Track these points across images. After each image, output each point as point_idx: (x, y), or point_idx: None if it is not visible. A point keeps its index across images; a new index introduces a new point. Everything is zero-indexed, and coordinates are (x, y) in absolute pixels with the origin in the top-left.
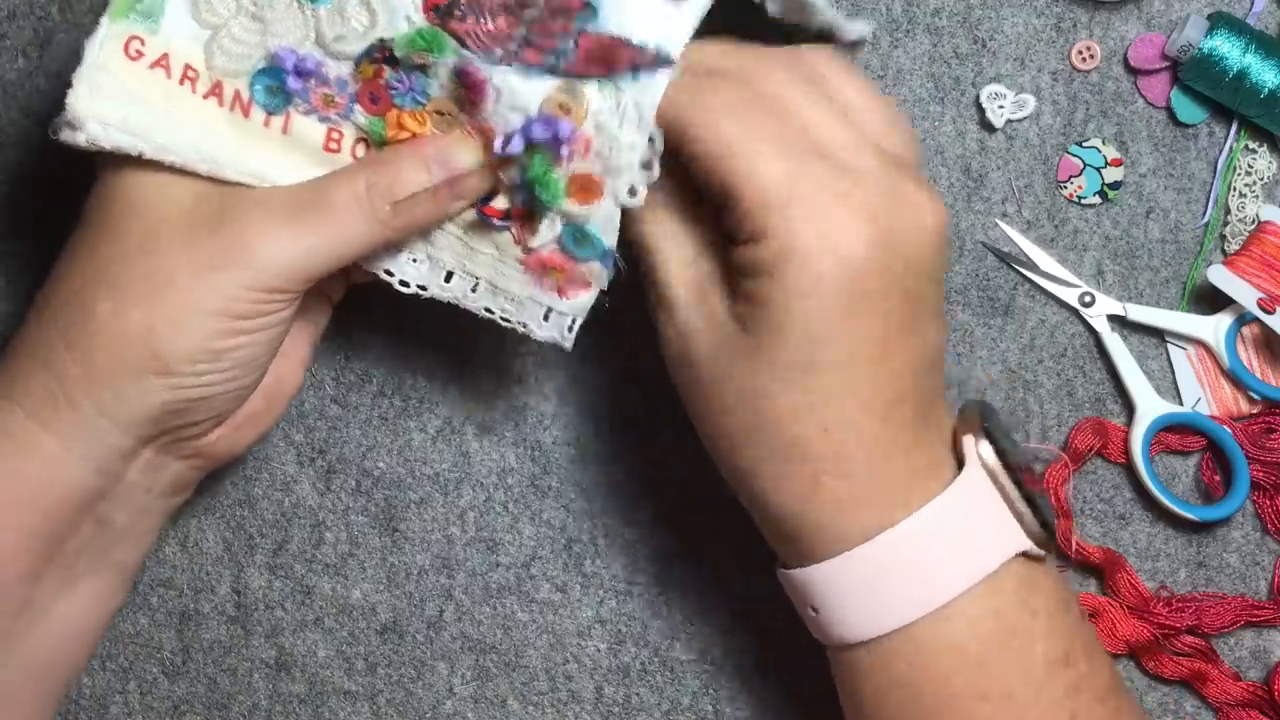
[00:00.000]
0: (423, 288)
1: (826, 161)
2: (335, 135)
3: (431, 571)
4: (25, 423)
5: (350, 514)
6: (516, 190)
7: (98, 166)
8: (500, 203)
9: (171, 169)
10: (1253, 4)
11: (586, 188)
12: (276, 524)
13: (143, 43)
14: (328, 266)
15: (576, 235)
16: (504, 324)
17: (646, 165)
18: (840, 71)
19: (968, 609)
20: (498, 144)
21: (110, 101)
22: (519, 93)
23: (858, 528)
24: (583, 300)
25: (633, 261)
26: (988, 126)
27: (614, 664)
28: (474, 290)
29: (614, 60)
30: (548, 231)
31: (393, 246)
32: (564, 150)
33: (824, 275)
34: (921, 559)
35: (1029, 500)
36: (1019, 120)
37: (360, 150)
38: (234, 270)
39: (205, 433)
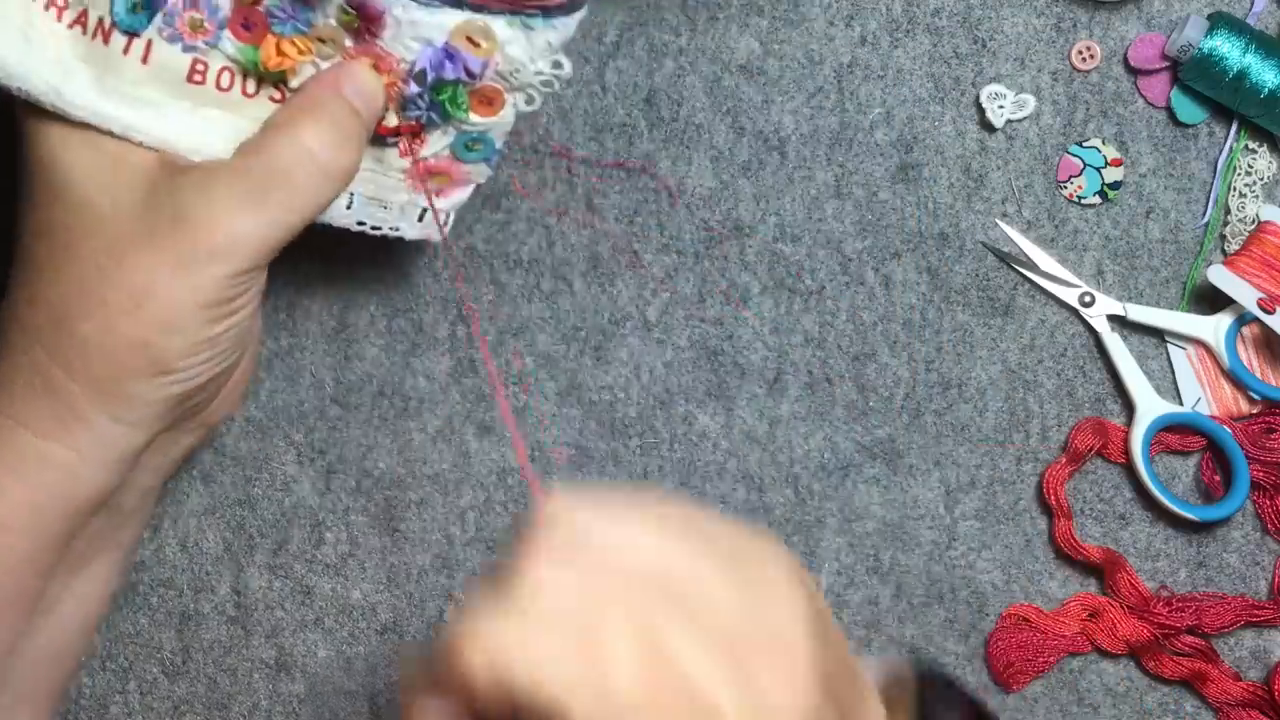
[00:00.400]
0: (327, 225)
1: None
2: (200, 65)
3: (431, 571)
4: (35, 441)
5: (350, 514)
6: (415, 106)
7: (31, 168)
8: (391, 120)
9: (100, 164)
10: (1253, 4)
11: (489, 100)
12: (276, 524)
13: None
14: (297, 231)
15: (469, 142)
16: (373, 233)
17: (546, 84)
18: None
19: None
20: (411, 84)
21: None
22: (422, 25)
23: None
24: (460, 197)
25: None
26: (988, 126)
27: None
28: (348, 207)
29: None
30: (439, 141)
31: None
32: (476, 81)
33: None
34: None
35: None
36: (1019, 120)
37: (225, 79)
38: (211, 265)
39: (209, 403)
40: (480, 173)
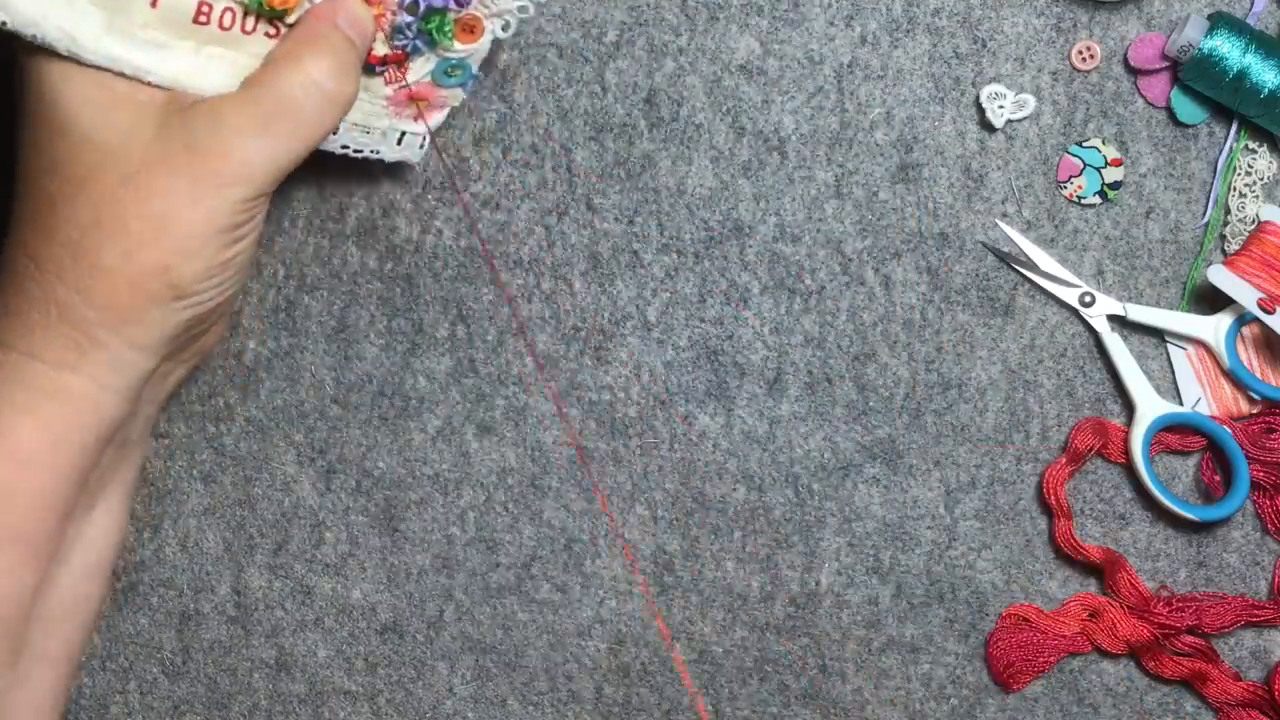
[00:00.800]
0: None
1: None
2: (205, 7)
3: (431, 571)
4: (51, 373)
5: (350, 514)
6: (402, 35)
7: (34, 109)
8: (380, 49)
9: (109, 101)
10: (1253, 4)
11: (470, 28)
12: (276, 524)
13: None
14: (302, 157)
15: (448, 68)
16: (355, 155)
17: (522, 9)
18: None
19: None
20: (402, 14)
21: None
22: None
23: None
24: (437, 119)
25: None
26: (988, 126)
27: (614, 664)
28: (333, 133)
29: None
30: (422, 69)
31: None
32: (464, 8)
33: None
34: None
35: None
36: (1019, 120)
37: (228, 19)
38: (226, 189)
39: (206, 332)
40: (456, 96)
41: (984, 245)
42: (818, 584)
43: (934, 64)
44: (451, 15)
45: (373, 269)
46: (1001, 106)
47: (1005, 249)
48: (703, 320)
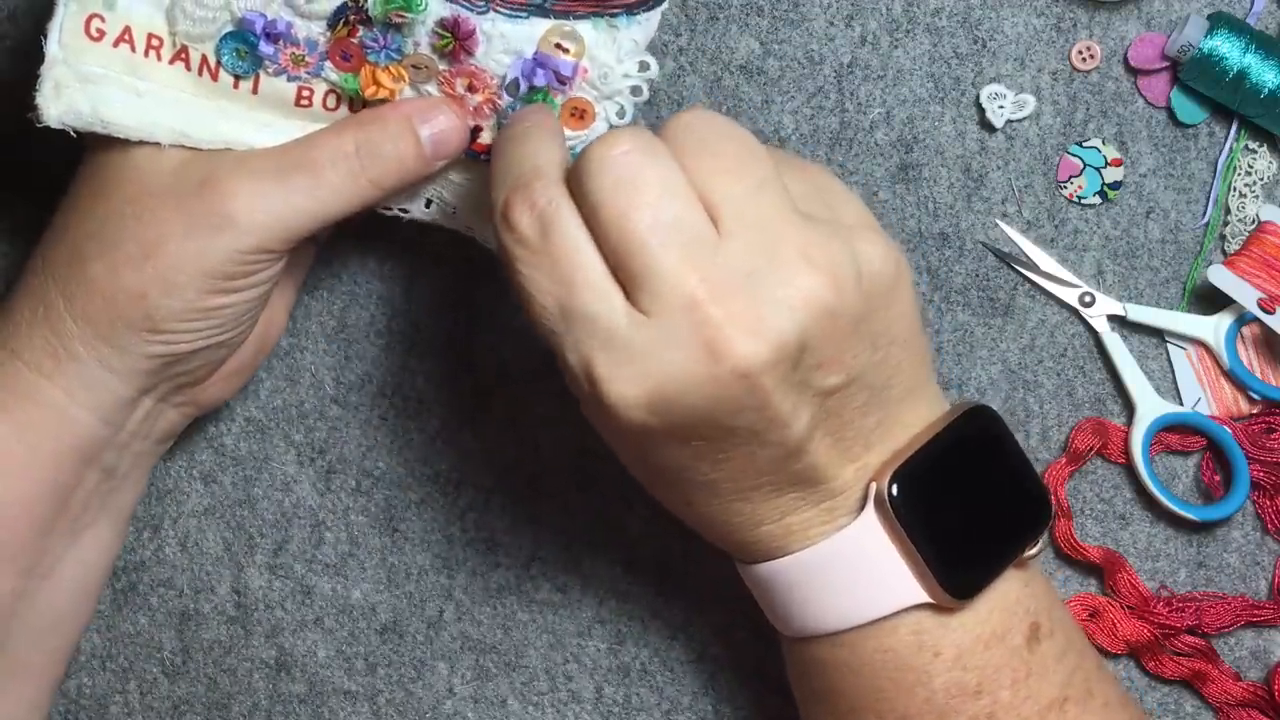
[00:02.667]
0: (404, 210)
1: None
2: (305, 91)
3: (431, 571)
4: (28, 375)
5: (350, 514)
6: (505, 121)
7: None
8: (486, 137)
9: None
10: (1253, 4)
11: (581, 114)
12: (276, 524)
13: (103, 20)
14: (314, 225)
15: None
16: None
17: (636, 91)
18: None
19: (856, 643)
20: (503, 89)
21: (78, 93)
22: (510, 37)
23: (764, 548)
24: None
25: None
26: (988, 126)
27: (614, 664)
28: (453, 214)
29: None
30: None
31: (379, 202)
32: (566, 85)
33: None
34: (808, 589)
35: (945, 547)
36: (1019, 120)
37: (331, 101)
38: (222, 234)
39: (201, 380)
40: None
41: (984, 245)
42: None
43: (934, 64)
44: (556, 96)
45: (373, 269)
46: (1001, 106)
47: (1005, 249)
48: None
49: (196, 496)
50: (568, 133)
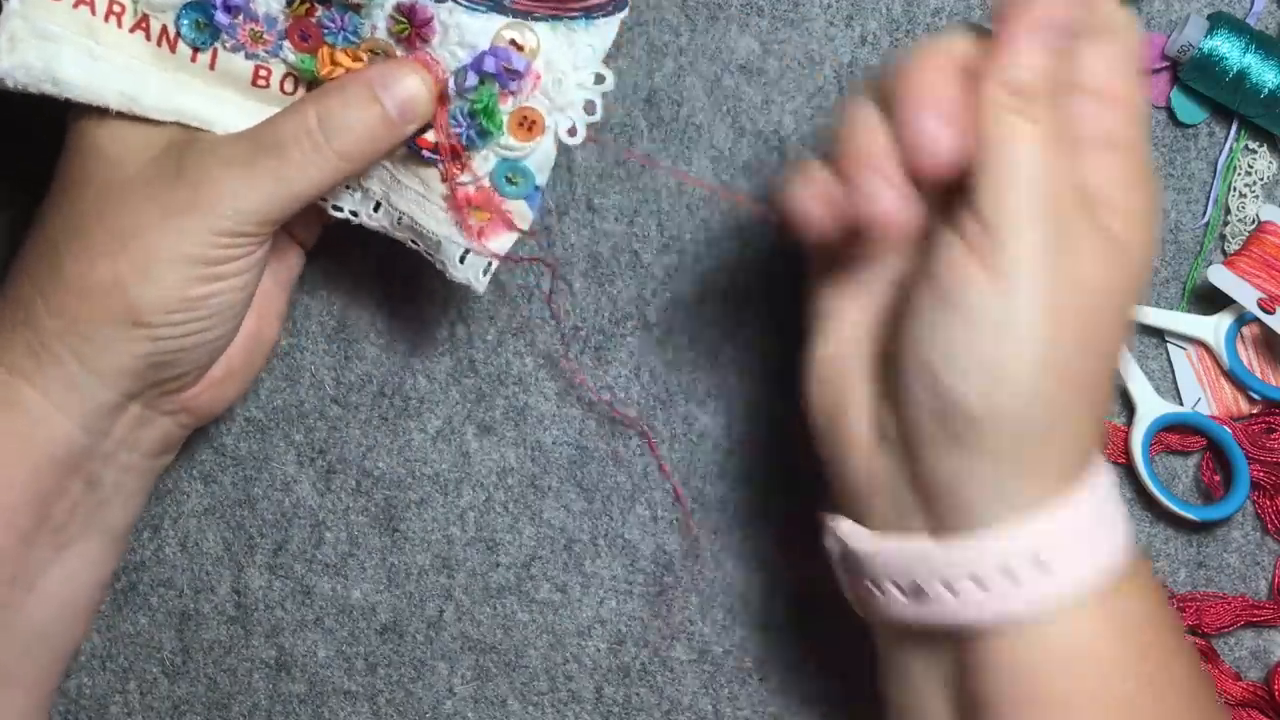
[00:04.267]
0: (354, 213)
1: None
2: (263, 72)
3: (431, 571)
4: (7, 378)
5: (350, 514)
6: (455, 123)
7: (68, 119)
8: (433, 135)
9: (129, 119)
10: (1253, 4)
11: (529, 124)
12: (276, 524)
13: None
14: (290, 207)
15: (509, 173)
16: (427, 257)
17: (589, 109)
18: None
19: (1117, 604)
20: (451, 80)
21: (31, 49)
22: (467, 29)
23: (1026, 497)
24: (502, 241)
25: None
26: None
27: (614, 664)
28: (399, 223)
29: (563, 3)
30: (480, 168)
31: (355, 177)
32: (515, 84)
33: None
34: (1088, 538)
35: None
36: None
37: (289, 85)
38: (197, 217)
39: (188, 386)
40: (522, 215)
41: None
42: (818, 584)
43: None
44: (505, 102)
45: (373, 269)
46: None
47: None
48: (703, 320)
49: (196, 496)
50: (514, 143)
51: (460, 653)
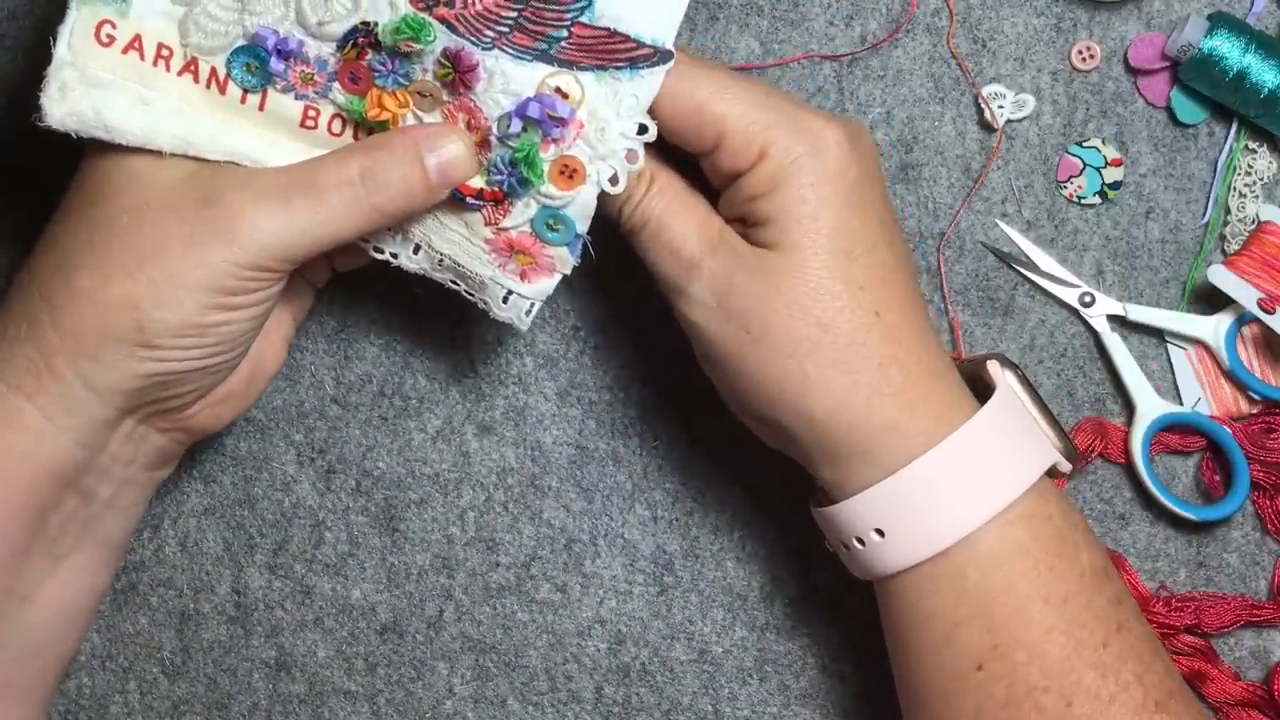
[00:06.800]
0: (394, 255)
1: (791, 102)
2: (311, 112)
3: (431, 571)
4: (6, 394)
5: (350, 514)
6: (497, 170)
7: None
8: (476, 181)
9: None
10: (1253, 4)
11: (571, 173)
12: (276, 524)
13: (114, 26)
14: (317, 248)
15: (550, 220)
16: (468, 298)
17: (630, 158)
18: None
19: (1030, 511)
20: (495, 125)
21: (83, 97)
22: (512, 77)
23: (920, 434)
24: (544, 285)
25: (622, 252)
26: (988, 126)
27: (614, 664)
28: (440, 264)
29: (610, 53)
30: (521, 214)
31: (384, 229)
32: (558, 131)
33: (828, 169)
34: (984, 463)
35: (1051, 421)
36: (1019, 120)
37: (336, 126)
38: (223, 247)
39: (187, 406)
40: (564, 260)
41: (984, 245)
42: (818, 584)
43: (934, 64)
44: (546, 150)
45: (372, 269)
46: (1001, 106)
47: (1005, 249)
48: None
49: (196, 496)
50: (555, 192)
51: (460, 653)
